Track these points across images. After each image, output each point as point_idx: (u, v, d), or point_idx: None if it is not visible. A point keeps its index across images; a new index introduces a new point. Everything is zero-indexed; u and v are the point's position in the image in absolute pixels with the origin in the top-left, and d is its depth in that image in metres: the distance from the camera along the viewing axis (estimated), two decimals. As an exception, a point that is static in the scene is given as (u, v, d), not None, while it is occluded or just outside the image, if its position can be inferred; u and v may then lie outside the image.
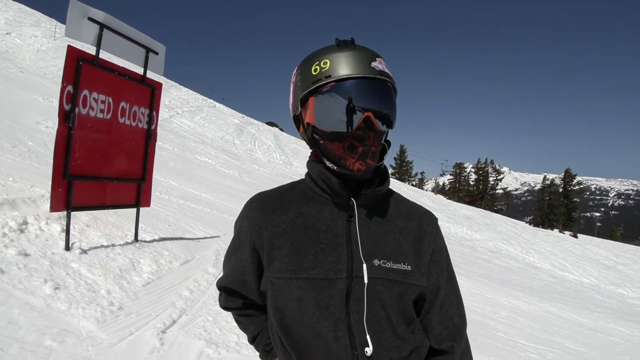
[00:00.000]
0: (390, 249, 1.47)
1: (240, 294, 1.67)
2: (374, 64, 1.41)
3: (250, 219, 1.56)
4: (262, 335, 1.70)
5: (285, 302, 1.44)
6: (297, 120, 1.56)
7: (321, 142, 1.48)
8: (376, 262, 1.43)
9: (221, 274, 1.76)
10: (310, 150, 1.59)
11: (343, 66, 1.40)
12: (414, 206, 1.63)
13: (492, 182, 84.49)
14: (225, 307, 1.78)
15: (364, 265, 1.41)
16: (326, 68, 1.41)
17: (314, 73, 1.43)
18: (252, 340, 1.74)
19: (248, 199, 1.62)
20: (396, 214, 1.55)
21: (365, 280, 1.40)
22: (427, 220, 1.58)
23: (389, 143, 1.55)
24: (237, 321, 1.80)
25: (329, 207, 1.51)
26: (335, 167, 1.47)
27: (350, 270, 1.42)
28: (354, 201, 1.48)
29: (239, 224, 1.62)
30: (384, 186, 1.52)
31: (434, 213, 1.66)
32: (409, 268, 1.46)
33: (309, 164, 1.58)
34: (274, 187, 1.65)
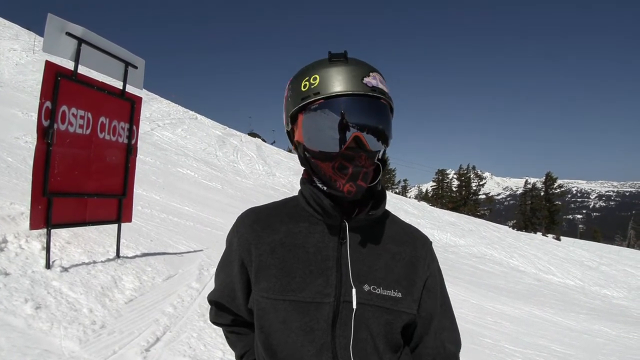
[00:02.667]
0: (381, 275, 1.42)
1: (230, 310, 1.64)
2: (366, 79, 1.35)
3: (240, 236, 1.52)
4: (248, 355, 1.65)
5: (270, 322, 1.41)
6: (290, 136, 1.53)
7: (312, 160, 1.43)
8: (366, 287, 1.39)
9: (211, 288, 1.73)
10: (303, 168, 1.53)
11: (332, 82, 1.35)
12: (408, 229, 1.57)
13: (474, 188, 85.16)
14: (214, 322, 1.75)
15: (354, 290, 1.37)
16: (315, 84, 1.36)
17: (303, 89, 1.39)
18: (240, 358, 1.69)
19: (240, 214, 1.58)
20: (389, 238, 1.50)
21: (354, 306, 1.36)
22: (421, 245, 1.53)
23: (384, 162, 1.48)
24: (226, 337, 1.76)
25: (320, 227, 1.46)
26: (325, 188, 1.42)
27: (339, 294, 1.37)
28: (346, 224, 1.43)
29: (230, 239, 1.58)
30: (377, 210, 1.45)
31: (423, 230, 1.64)
32: (399, 295, 1.41)
33: (301, 182, 1.52)
34: (267, 202, 1.62)
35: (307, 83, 1.38)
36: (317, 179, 1.44)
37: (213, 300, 1.69)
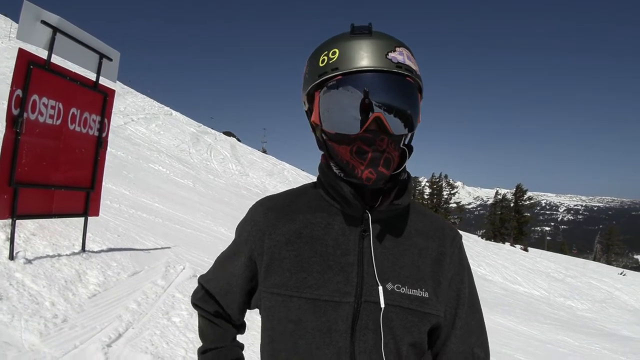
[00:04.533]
0: (406, 272, 1.28)
1: (218, 303, 1.51)
2: (392, 54, 1.21)
3: (253, 224, 1.39)
4: (218, 353, 1.51)
5: (280, 322, 1.29)
6: (308, 116, 1.39)
7: (329, 143, 1.30)
8: (389, 286, 1.26)
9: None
10: (321, 153, 1.40)
11: (353, 57, 1.20)
12: (436, 222, 1.43)
13: (446, 196, 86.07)
14: (196, 305, 1.57)
15: (380, 289, 1.24)
16: (334, 59, 1.22)
17: (321, 65, 1.25)
18: (203, 353, 1.53)
19: (254, 202, 1.47)
20: (416, 232, 1.36)
21: (382, 305, 1.23)
22: (450, 240, 1.39)
23: (410, 148, 1.33)
24: (199, 324, 1.59)
25: (340, 218, 1.33)
26: (341, 173, 1.30)
27: (360, 293, 1.24)
28: (369, 214, 1.29)
29: (241, 229, 1.45)
30: (402, 198, 1.31)
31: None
32: (426, 295, 1.28)
33: (319, 168, 1.39)
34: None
35: (326, 58, 1.24)
36: (334, 164, 1.32)
37: (204, 286, 1.55)
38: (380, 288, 1.24)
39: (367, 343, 1.22)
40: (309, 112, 1.36)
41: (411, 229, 1.36)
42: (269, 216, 1.38)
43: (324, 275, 1.26)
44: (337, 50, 1.23)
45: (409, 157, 1.33)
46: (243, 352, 1.58)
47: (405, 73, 1.22)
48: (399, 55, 1.22)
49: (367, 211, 1.29)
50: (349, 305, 1.23)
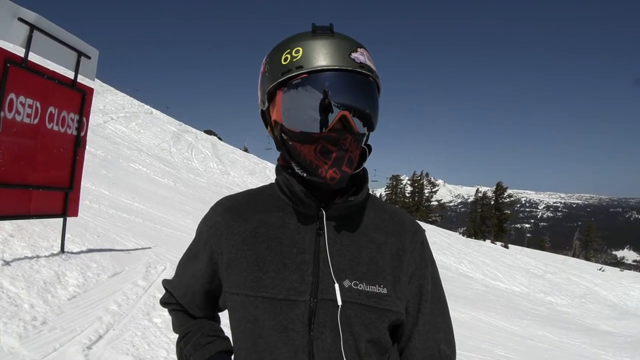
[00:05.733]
0: (364, 269, 1.28)
1: (181, 305, 1.53)
2: (354, 54, 1.23)
3: (211, 226, 1.40)
4: (190, 336, 1.47)
5: (240, 321, 1.30)
6: (265, 116, 1.38)
7: (290, 143, 1.29)
8: (347, 283, 1.25)
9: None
10: (279, 153, 1.40)
11: (318, 56, 1.21)
12: (398, 217, 1.41)
13: (427, 194, 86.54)
14: (162, 303, 1.61)
15: (336, 286, 1.24)
16: (298, 57, 1.22)
17: (283, 62, 1.24)
18: (181, 339, 1.50)
19: (214, 202, 1.47)
20: (375, 227, 1.35)
21: (339, 303, 1.23)
22: (410, 235, 1.37)
23: (369, 147, 1.35)
24: (171, 320, 1.60)
25: (295, 217, 1.33)
26: (305, 174, 1.28)
27: (315, 291, 1.25)
28: (323, 212, 1.29)
29: (200, 229, 1.45)
30: (358, 195, 1.31)
31: None
32: (385, 291, 1.27)
33: (276, 169, 1.39)
34: (244, 190, 1.50)
35: (289, 56, 1.24)
36: (296, 164, 1.30)
37: (168, 289, 1.57)
38: (337, 285, 1.24)
39: (325, 341, 1.23)
40: (267, 112, 1.36)
41: (369, 225, 1.35)
42: (225, 216, 1.39)
43: (280, 274, 1.26)
44: (300, 49, 1.24)
45: (369, 155, 1.35)
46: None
47: (368, 73, 1.24)
48: (361, 56, 1.24)
49: (321, 209, 1.30)
50: (304, 303, 1.24)
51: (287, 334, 1.23)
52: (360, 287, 1.26)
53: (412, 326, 1.35)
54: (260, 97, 1.36)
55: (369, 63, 1.26)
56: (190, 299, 1.50)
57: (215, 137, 50.08)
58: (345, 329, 1.23)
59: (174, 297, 1.55)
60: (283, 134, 1.31)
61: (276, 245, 1.30)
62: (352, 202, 1.30)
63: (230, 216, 1.38)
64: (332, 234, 1.30)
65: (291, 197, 1.32)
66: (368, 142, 1.36)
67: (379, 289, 1.27)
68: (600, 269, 48.93)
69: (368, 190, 1.37)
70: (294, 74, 1.22)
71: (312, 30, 1.27)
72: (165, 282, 1.60)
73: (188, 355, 1.44)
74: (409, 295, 1.33)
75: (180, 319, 1.55)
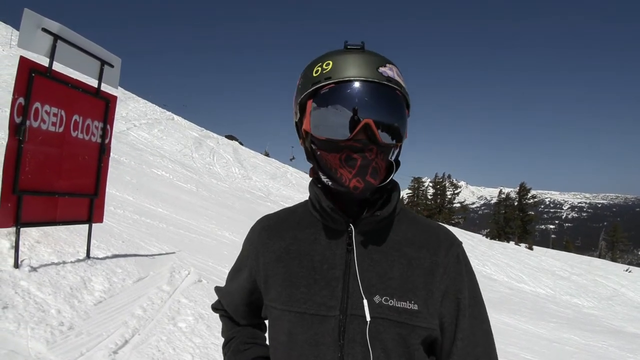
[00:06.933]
0: (394, 284, 1.28)
1: (226, 311, 1.64)
2: (382, 69, 1.26)
3: (250, 243, 1.49)
4: (233, 342, 1.58)
5: (277, 334, 1.36)
6: (298, 128, 1.42)
7: (318, 153, 1.33)
8: (377, 298, 1.26)
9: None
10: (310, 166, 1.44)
11: (346, 68, 1.26)
12: (431, 230, 1.40)
13: (449, 196, 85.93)
14: (213, 308, 1.73)
15: (365, 302, 1.25)
16: (328, 69, 1.27)
17: (314, 75, 1.29)
18: (225, 344, 1.61)
19: (257, 220, 1.55)
20: (406, 241, 1.35)
21: (368, 319, 1.24)
22: (445, 250, 1.35)
23: (397, 163, 1.36)
24: (222, 322, 1.70)
25: (326, 233, 1.36)
26: (329, 182, 1.32)
27: (345, 307, 1.27)
28: (352, 227, 1.32)
29: (243, 246, 1.55)
30: (385, 209, 1.32)
31: None
32: (416, 307, 1.27)
33: (309, 184, 1.41)
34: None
35: (320, 69, 1.29)
36: (323, 174, 1.34)
37: (218, 297, 1.68)
38: (365, 301, 1.25)
39: (356, 357, 1.24)
40: (300, 123, 1.39)
41: (401, 239, 1.35)
42: (262, 235, 1.46)
43: (311, 290, 1.30)
44: (330, 62, 1.28)
45: (395, 171, 1.35)
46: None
47: (395, 86, 1.27)
48: (389, 71, 1.28)
49: (350, 224, 1.32)
50: (334, 319, 1.27)
51: (317, 347, 1.26)
52: (391, 303, 1.26)
53: (450, 342, 1.33)
54: (293, 109, 1.40)
55: (397, 78, 1.28)
56: (234, 308, 1.59)
57: (237, 142, 50.35)
58: (376, 345, 1.24)
59: (222, 304, 1.66)
60: (312, 144, 1.34)
61: (307, 261, 1.34)
62: (379, 216, 1.31)
63: (266, 234, 1.44)
64: (361, 249, 1.32)
65: (321, 213, 1.36)
66: (398, 159, 1.38)
67: (410, 305, 1.27)
68: (627, 270, 48.09)
69: (397, 203, 1.37)
70: (322, 84, 1.26)
71: (344, 46, 1.32)
72: (216, 289, 1.70)
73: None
74: (445, 310, 1.32)
75: (227, 325, 1.65)
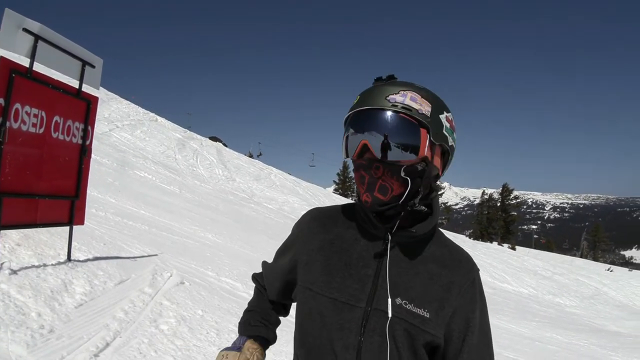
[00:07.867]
0: (414, 293, 1.46)
1: (263, 285, 1.86)
2: (392, 96, 1.41)
3: (301, 229, 1.68)
4: (249, 310, 1.83)
5: (310, 312, 1.52)
6: None
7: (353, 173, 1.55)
8: (398, 300, 1.45)
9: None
10: None
11: (362, 100, 1.45)
12: (455, 254, 1.57)
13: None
14: (254, 278, 1.93)
15: (389, 300, 1.44)
16: (354, 102, 1.47)
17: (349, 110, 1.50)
18: (248, 311, 1.84)
19: (307, 210, 1.75)
20: (432, 259, 1.52)
21: (390, 314, 1.42)
22: (463, 272, 1.53)
23: (419, 178, 1.46)
24: (253, 293, 1.94)
25: (367, 236, 1.54)
26: (356, 198, 1.56)
27: (371, 301, 1.45)
28: (389, 237, 1.49)
29: (293, 229, 1.74)
30: (417, 227, 1.48)
31: None
32: (428, 315, 1.45)
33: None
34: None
35: (352, 103, 1.49)
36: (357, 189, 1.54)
37: (263, 267, 1.89)
38: (390, 300, 1.44)
39: (373, 344, 1.43)
40: None
41: (428, 256, 1.53)
42: (311, 225, 1.65)
43: (345, 282, 1.49)
44: (358, 97, 1.48)
45: (410, 186, 1.44)
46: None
47: (398, 110, 1.40)
48: (400, 97, 1.41)
49: (388, 234, 1.49)
50: (360, 309, 1.45)
51: (342, 331, 1.45)
52: (409, 307, 1.45)
53: (456, 353, 1.50)
54: None
55: (407, 102, 1.41)
56: (271, 280, 1.80)
57: (220, 144, 50.14)
58: (391, 339, 1.42)
59: (262, 277, 1.88)
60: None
61: (346, 257, 1.52)
62: (414, 233, 1.48)
63: (315, 224, 1.64)
64: (393, 256, 1.50)
65: (364, 219, 1.53)
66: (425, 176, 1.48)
67: (423, 313, 1.45)
68: (608, 269, 48.78)
69: (433, 227, 1.55)
70: (346, 116, 1.50)
71: (374, 81, 1.51)
72: (263, 264, 1.91)
73: (239, 324, 1.80)
74: (454, 325, 1.48)
75: (256, 295, 1.90)
